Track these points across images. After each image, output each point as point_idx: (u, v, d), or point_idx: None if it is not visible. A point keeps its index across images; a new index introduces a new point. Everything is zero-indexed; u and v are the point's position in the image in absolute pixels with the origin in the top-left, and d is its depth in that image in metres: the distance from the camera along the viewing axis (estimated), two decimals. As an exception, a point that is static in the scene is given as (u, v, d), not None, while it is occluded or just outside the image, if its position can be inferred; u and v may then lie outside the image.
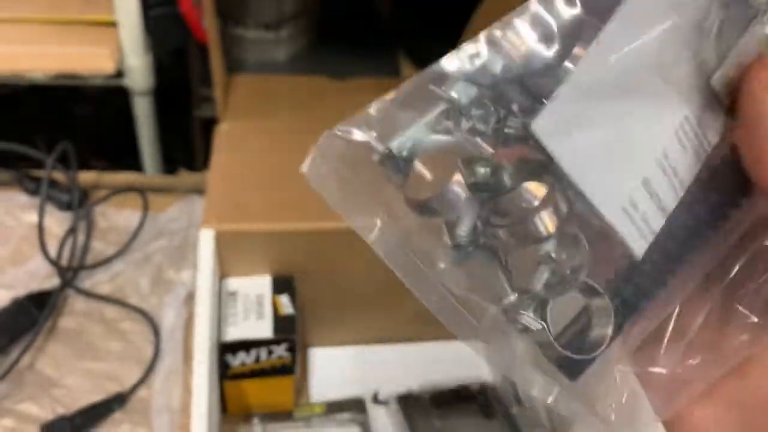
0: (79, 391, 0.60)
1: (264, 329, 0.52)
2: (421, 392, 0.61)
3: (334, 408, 0.60)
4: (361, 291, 0.59)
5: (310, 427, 0.57)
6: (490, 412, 0.60)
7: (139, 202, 0.71)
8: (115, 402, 0.59)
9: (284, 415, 0.60)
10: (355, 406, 0.61)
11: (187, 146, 1.01)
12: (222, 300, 0.54)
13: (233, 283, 0.55)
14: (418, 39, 1.00)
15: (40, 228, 0.62)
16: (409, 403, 0.60)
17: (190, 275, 0.67)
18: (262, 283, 0.55)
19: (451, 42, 0.79)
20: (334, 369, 0.64)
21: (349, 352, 0.65)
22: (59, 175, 0.70)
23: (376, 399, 0.62)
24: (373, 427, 0.59)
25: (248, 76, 0.83)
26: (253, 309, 0.53)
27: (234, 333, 0.52)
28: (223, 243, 0.52)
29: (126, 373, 0.61)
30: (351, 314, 0.62)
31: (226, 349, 0.52)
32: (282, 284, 0.55)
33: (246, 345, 0.52)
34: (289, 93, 0.81)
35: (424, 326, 0.65)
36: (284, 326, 0.52)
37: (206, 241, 0.50)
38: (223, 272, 0.55)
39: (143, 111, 0.80)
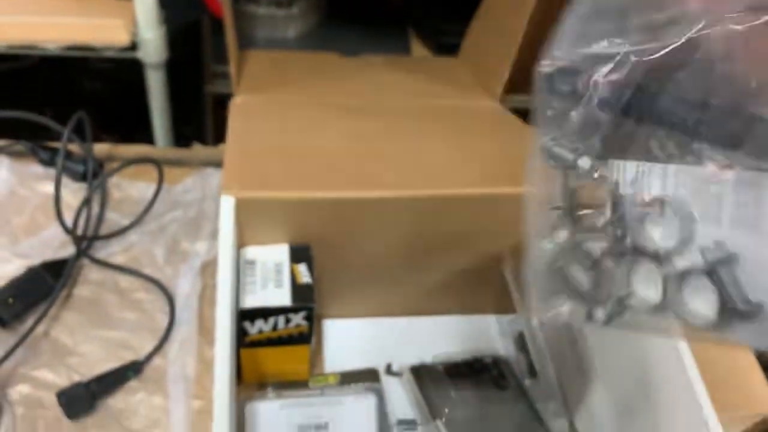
0: (95, 359, 0.60)
1: (282, 297, 0.52)
2: (435, 364, 0.62)
3: (348, 378, 0.61)
4: (377, 263, 0.60)
5: (325, 396, 0.57)
6: (503, 384, 0.61)
7: (153, 175, 0.71)
8: (131, 369, 0.59)
9: (299, 384, 0.60)
10: (368, 377, 0.61)
11: (197, 122, 1.01)
12: (240, 268, 0.54)
13: (251, 251, 0.55)
14: (428, 18, 0.99)
15: (57, 197, 0.62)
16: (422, 374, 0.61)
17: (205, 246, 0.67)
18: (280, 252, 0.55)
19: (462, 21, 0.79)
20: (347, 340, 0.64)
21: (363, 324, 0.65)
22: (73, 147, 0.70)
23: (389, 370, 0.62)
24: (388, 397, 0.60)
25: (260, 51, 0.83)
26: (272, 277, 0.54)
27: (253, 301, 0.52)
28: (242, 211, 0.52)
29: (141, 343, 0.61)
30: (366, 286, 0.63)
31: (244, 317, 0.52)
32: (300, 253, 0.55)
33: (264, 312, 0.52)
34: (302, 68, 0.81)
35: (439, 299, 0.65)
36: (302, 295, 0.53)
37: (227, 207, 0.50)
38: (241, 241, 0.55)
39: (156, 84, 0.80)
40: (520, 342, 0.61)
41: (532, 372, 0.60)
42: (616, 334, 0.53)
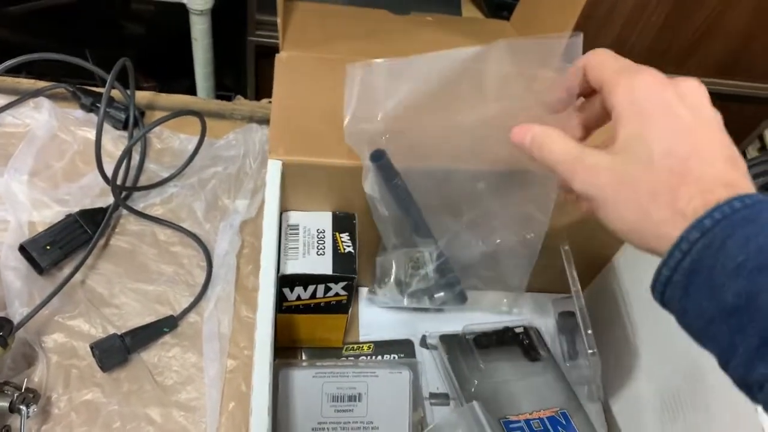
0: (130, 312, 0.60)
1: (324, 266, 0.51)
2: (465, 333, 0.61)
3: (383, 348, 0.60)
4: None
5: (359, 367, 0.57)
6: (534, 356, 0.59)
7: (195, 127, 0.70)
8: (166, 324, 0.59)
9: (332, 352, 0.59)
10: (403, 348, 0.60)
11: (237, 73, 0.99)
12: (282, 233, 0.53)
13: (294, 216, 0.54)
14: (481, -23, 0.96)
15: (98, 145, 0.61)
16: (452, 344, 0.60)
17: (245, 204, 0.66)
18: (324, 219, 0.54)
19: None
20: (383, 310, 0.63)
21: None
22: (114, 93, 0.69)
23: (424, 342, 0.62)
24: (421, 369, 0.59)
25: (307, 3, 0.80)
26: (314, 244, 0.52)
27: (294, 267, 0.51)
28: (288, 175, 0.50)
29: (177, 297, 0.61)
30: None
31: (284, 282, 0.51)
32: (343, 221, 0.54)
33: (304, 280, 0.51)
34: (350, 24, 0.78)
35: (476, 275, 0.63)
36: (344, 264, 0.51)
37: (274, 171, 0.49)
38: (284, 205, 0.53)
39: (200, 32, 0.78)
40: (563, 322, 0.59)
41: (573, 354, 0.59)
42: (666, 327, 0.52)
